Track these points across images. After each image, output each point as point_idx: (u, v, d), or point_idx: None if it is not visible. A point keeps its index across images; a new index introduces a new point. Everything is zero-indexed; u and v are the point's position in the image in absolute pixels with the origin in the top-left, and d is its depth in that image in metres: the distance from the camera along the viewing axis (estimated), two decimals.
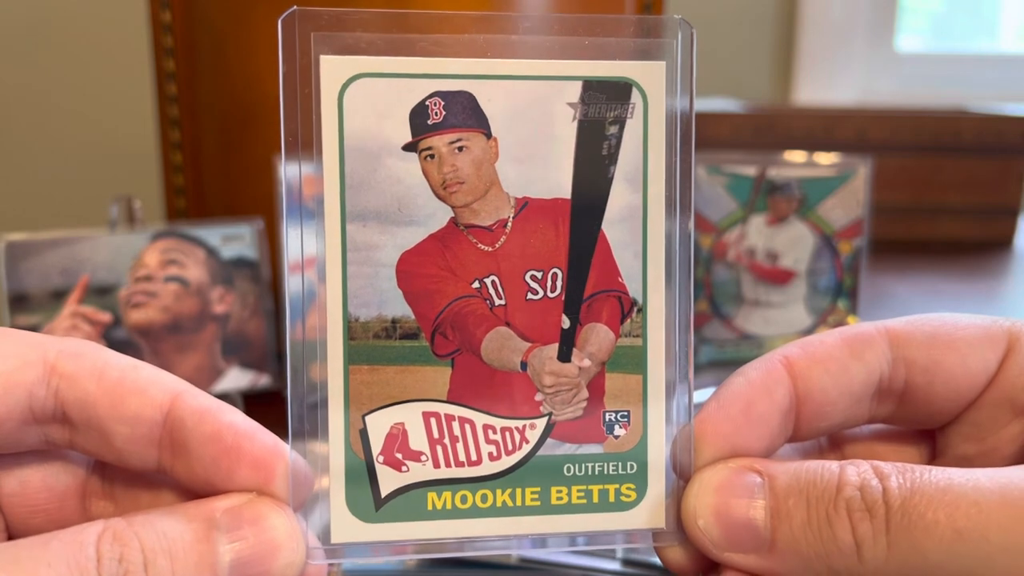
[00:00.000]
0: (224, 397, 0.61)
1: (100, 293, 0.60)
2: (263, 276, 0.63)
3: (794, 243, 0.67)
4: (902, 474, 0.24)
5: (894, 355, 0.28)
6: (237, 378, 0.62)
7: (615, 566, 0.44)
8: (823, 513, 0.24)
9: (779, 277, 0.68)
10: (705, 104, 1.15)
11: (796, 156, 0.68)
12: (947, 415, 0.29)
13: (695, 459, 0.26)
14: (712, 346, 0.68)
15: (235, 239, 0.63)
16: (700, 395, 0.71)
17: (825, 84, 1.44)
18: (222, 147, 0.70)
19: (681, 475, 0.27)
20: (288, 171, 0.25)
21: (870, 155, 0.67)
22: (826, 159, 0.67)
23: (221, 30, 0.67)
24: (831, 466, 0.25)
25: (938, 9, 1.65)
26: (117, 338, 0.60)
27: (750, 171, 0.67)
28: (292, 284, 0.26)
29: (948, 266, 1.02)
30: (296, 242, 0.26)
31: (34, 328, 0.58)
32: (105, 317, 0.60)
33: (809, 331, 0.65)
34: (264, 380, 0.63)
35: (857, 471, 0.24)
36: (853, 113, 1.12)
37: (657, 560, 0.44)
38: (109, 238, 0.60)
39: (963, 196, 1.10)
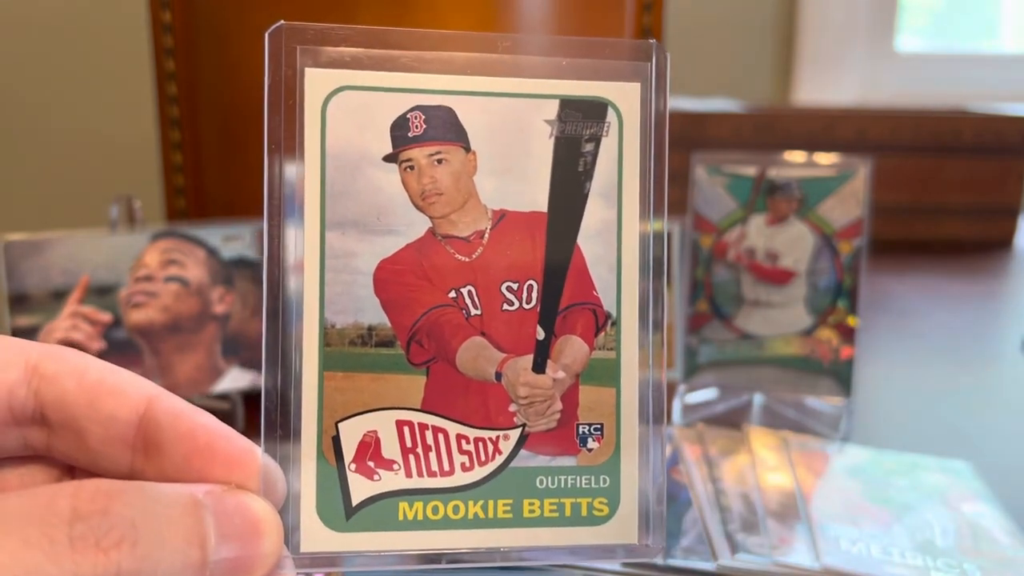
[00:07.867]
0: (224, 397, 0.62)
1: (100, 293, 0.60)
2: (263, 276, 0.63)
3: (794, 243, 0.67)
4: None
5: None
6: (237, 378, 0.62)
7: (615, 566, 0.44)
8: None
9: (779, 277, 0.67)
10: (705, 104, 1.14)
11: (796, 156, 0.68)
12: None
13: None
14: (712, 346, 0.68)
15: (235, 239, 0.63)
16: (699, 396, 0.70)
17: (825, 84, 1.43)
18: (222, 147, 0.70)
19: None
20: (271, 176, 0.26)
21: (870, 155, 0.67)
22: (826, 159, 0.67)
23: (221, 30, 0.68)
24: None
25: (938, 9, 1.65)
26: (117, 338, 0.60)
27: (750, 171, 0.67)
28: (269, 287, 0.26)
29: (948, 266, 1.02)
30: (275, 246, 0.26)
31: (34, 328, 0.58)
32: (105, 317, 0.60)
33: (809, 331, 0.65)
34: None
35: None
36: (853, 113, 1.12)
37: (657, 561, 0.44)
38: (109, 238, 0.60)
39: (963, 196, 1.10)
